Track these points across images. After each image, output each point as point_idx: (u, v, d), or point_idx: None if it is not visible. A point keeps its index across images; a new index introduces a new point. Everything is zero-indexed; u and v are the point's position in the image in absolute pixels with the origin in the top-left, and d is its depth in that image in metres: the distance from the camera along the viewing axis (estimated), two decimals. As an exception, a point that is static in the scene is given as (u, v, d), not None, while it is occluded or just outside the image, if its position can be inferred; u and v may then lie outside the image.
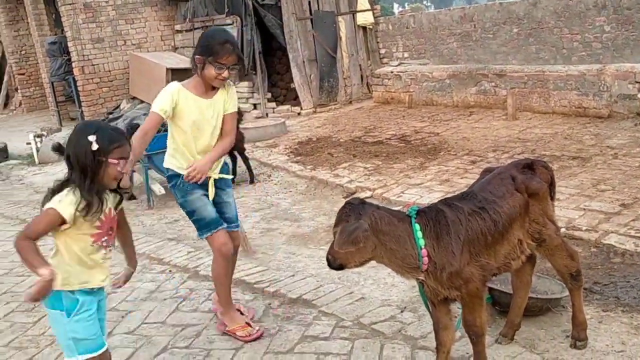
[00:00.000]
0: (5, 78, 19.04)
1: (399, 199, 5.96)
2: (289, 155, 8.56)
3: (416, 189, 6.28)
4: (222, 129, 3.60)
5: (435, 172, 6.78)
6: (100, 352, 2.67)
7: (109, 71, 13.26)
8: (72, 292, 2.59)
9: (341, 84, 12.34)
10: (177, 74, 12.19)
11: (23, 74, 17.51)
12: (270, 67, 12.83)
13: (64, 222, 2.48)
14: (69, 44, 12.88)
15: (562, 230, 4.11)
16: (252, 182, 7.56)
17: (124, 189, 2.75)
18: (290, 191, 7.10)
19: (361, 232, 2.62)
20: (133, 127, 7.15)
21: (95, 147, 2.48)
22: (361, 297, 4.07)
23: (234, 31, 12.16)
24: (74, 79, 13.18)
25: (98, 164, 2.51)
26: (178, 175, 3.56)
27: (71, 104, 14.54)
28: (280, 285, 4.37)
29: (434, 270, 2.73)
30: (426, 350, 3.33)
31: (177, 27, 13.83)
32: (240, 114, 8.05)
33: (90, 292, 2.64)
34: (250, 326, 3.71)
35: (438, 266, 2.72)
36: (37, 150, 10.51)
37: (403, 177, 6.77)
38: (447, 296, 2.81)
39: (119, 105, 13.31)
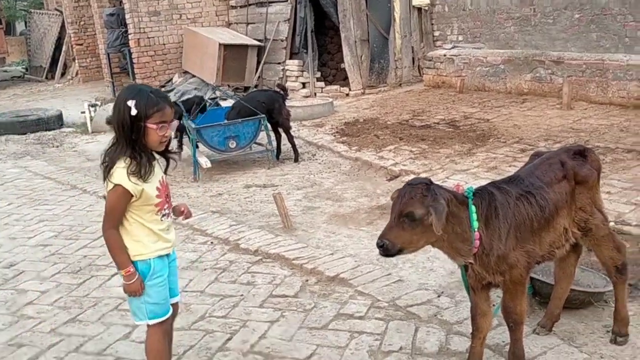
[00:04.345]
0: (64, 48, 19.60)
1: (443, 184, 5.86)
2: (334, 136, 8.54)
3: (462, 174, 6.17)
4: None
5: (482, 159, 6.65)
6: (166, 317, 2.78)
7: (164, 44, 13.46)
8: (147, 259, 2.68)
9: (392, 66, 12.18)
10: (229, 50, 12.29)
11: (81, 45, 17.97)
12: (322, 47, 12.76)
13: (131, 195, 2.57)
14: (127, 16, 13.12)
15: (611, 224, 3.97)
16: (296, 160, 7.59)
17: (172, 152, 2.78)
18: (334, 171, 7.09)
19: (444, 214, 2.52)
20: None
21: (134, 112, 2.50)
22: (398, 280, 4.05)
23: (287, 8, 12.15)
24: (129, 50, 13.45)
25: (138, 129, 2.52)
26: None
27: (125, 75, 14.85)
28: (319, 262, 4.39)
29: (481, 254, 2.67)
30: (461, 335, 3.29)
31: (232, 2, 13.89)
32: (285, 91, 8.07)
33: (161, 257, 2.72)
34: None
35: (486, 250, 2.67)
36: (91, 119, 10.79)
37: (449, 162, 6.66)
38: (490, 281, 2.76)
39: (172, 79, 13.52)
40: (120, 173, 2.53)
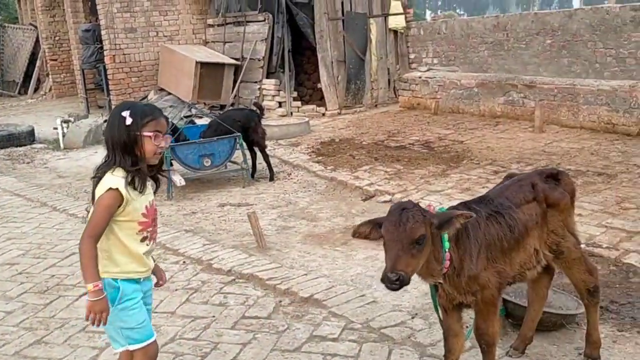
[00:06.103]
0: (38, 63, 19.37)
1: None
2: (310, 155, 8.54)
3: (436, 195, 6.20)
4: None
5: (456, 180, 6.70)
6: (149, 341, 2.63)
7: (140, 61, 13.39)
8: (115, 280, 2.55)
9: (368, 87, 12.28)
10: (206, 68, 12.27)
11: (55, 60, 17.76)
12: (298, 66, 12.82)
13: (121, 201, 2.49)
14: (102, 32, 13.03)
15: (582, 246, 4.02)
16: (271, 179, 7.55)
17: (163, 171, 2.77)
18: (309, 190, 7.07)
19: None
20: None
21: (129, 121, 2.50)
22: (372, 301, 4.02)
23: (265, 28, 12.20)
24: (104, 67, 13.34)
25: (134, 138, 2.50)
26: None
27: (100, 92, 14.71)
28: (292, 283, 4.34)
29: (452, 273, 2.67)
30: (435, 357, 3.28)
31: (210, 21, 13.91)
32: (262, 110, 8.05)
33: (132, 281, 2.59)
34: None
35: (456, 270, 2.66)
36: (63, 136, 10.62)
37: (423, 183, 6.70)
38: (462, 302, 2.75)
39: (147, 96, 13.43)
40: (114, 179, 2.47)
